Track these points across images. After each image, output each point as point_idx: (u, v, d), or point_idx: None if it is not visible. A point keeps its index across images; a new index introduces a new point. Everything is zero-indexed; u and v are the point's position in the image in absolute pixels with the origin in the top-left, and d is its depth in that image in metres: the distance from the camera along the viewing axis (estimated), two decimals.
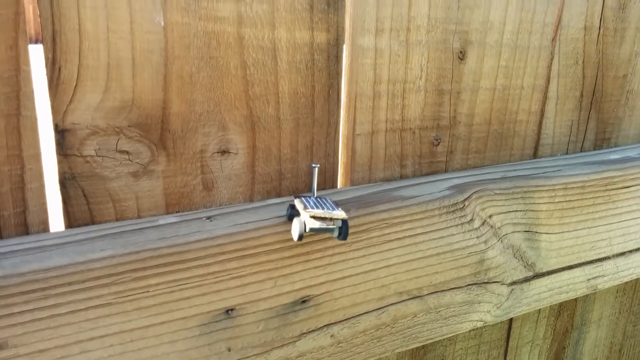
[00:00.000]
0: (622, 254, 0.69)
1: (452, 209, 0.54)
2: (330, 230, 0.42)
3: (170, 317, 0.42)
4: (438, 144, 0.60)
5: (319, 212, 0.41)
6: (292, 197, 0.52)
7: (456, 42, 0.57)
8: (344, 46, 0.51)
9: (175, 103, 0.45)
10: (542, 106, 0.66)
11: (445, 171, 0.61)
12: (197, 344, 0.44)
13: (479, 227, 0.56)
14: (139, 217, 0.46)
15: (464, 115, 0.60)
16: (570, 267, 0.65)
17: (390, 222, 0.50)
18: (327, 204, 0.44)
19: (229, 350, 0.45)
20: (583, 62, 0.67)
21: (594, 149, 0.73)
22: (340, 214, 0.42)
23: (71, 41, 0.40)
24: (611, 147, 0.75)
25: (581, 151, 0.72)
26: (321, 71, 0.50)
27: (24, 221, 0.42)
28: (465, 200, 0.54)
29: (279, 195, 0.52)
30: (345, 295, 0.50)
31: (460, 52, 0.57)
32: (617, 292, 0.87)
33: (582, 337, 0.86)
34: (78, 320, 0.39)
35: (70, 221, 0.44)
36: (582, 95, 0.69)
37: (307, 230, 0.42)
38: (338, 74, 0.51)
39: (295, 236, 0.42)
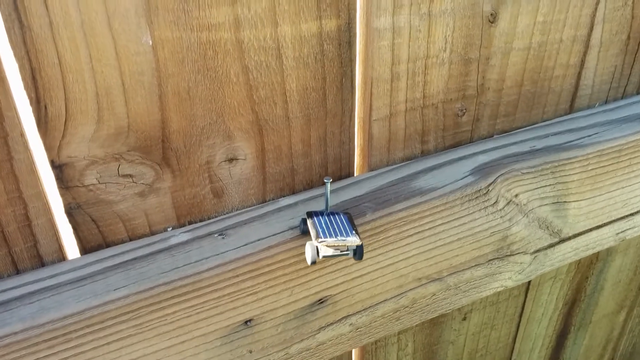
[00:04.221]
0: None
1: (475, 195, 0.51)
2: (345, 255, 0.41)
3: (191, 336, 0.43)
4: (463, 114, 0.55)
5: (332, 241, 0.40)
6: (305, 194, 0.50)
7: (486, 4, 0.49)
8: (357, 30, 0.45)
9: (174, 121, 0.42)
10: (582, 57, 0.59)
11: (471, 140, 0.57)
12: (219, 352, 0.45)
13: (503, 208, 0.53)
14: (150, 231, 0.46)
15: (493, 81, 0.55)
16: (599, 227, 0.63)
17: (409, 220, 0.48)
18: (341, 225, 0.42)
19: (250, 352, 0.47)
20: (633, 1, 0.58)
21: (637, 93, 0.67)
22: (354, 240, 0.40)
23: (53, 77, 0.36)
24: None
25: (622, 97, 0.66)
26: (332, 61, 0.45)
27: (37, 253, 0.42)
28: (489, 185, 0.51)
29: (292, 191, 0.50)
30: (363, 290, 0.50)
31: (491, 14, 0.50)
32: None
33: (607, 265, 0.86)
34: (102, 354, 0.40)
35: (84, 244, 0.44)
36: (629, 38, 0.61)
37: (320, 257, 0.41)
38: (351, 60, 0.46)
39: (308, 261, 0.41)
